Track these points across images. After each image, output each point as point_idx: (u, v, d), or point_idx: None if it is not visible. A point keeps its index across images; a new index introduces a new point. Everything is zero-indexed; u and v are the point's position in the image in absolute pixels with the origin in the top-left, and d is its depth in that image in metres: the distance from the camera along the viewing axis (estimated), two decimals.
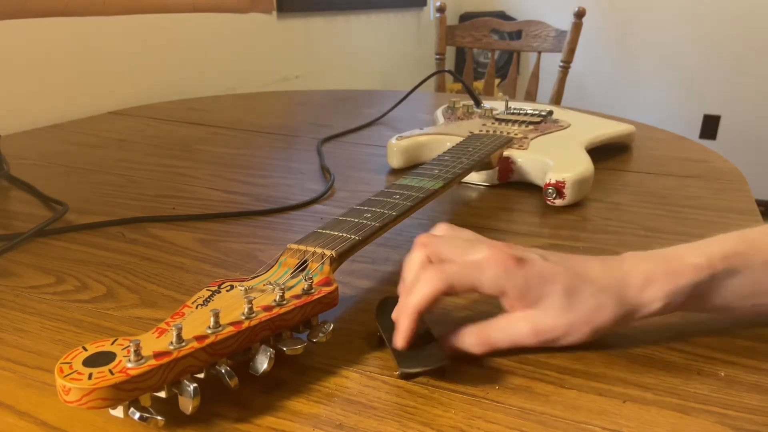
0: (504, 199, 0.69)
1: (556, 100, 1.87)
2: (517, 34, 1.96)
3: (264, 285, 0.38)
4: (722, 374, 0.37)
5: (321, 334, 0.37)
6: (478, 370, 0.38)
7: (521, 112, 0.88)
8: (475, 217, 0.64)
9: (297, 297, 0.36)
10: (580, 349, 0.40)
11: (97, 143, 0.92)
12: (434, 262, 0.40)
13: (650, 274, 0.38)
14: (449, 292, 0.37)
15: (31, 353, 0.39)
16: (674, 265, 0.39)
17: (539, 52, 1.92)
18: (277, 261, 0.41)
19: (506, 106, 0.92)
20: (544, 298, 0.38)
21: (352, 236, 0.44)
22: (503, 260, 0.37)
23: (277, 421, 0.33)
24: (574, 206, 0.66)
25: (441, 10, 1.96)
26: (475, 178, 0.73)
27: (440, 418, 0.33)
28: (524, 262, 0.38)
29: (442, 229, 0.44)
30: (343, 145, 0.92)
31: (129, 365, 0.29)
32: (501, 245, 0.39)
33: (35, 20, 1.02)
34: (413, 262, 0.41)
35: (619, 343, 0.40)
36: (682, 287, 0.38)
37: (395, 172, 0.78)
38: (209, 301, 0.36)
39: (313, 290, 0.37)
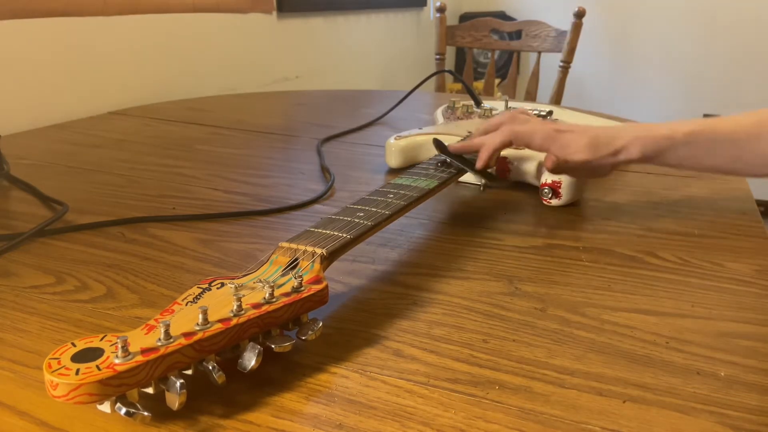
0: (501, 199, 0.69)
1: (556, 100, 1.87)
2: (517, 34, 1.96)
3: (254, 283, 0.38)
4: (722, 374, 0.37)
5: (310, 332, 0.37)
6: (478, 370, 0.38)
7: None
8: (472, 216, 0.64)
9: (286, 294, 0.37)
10: (580, 349, 0.40)
11: (97, 143, 0.92)
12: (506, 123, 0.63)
13: (630, 140, 0.59)
14: (512, 143, 0.62)
15: (31, 353, 0.39)
16: (650, 134, 0.60)
17: (539, 52, 1.92)
18: (268, 259, 0.42)
19: (506, 106, 0.92)
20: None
21: (344, 235, 0.44)
22: (548, 130, 0.61)
23: (277, 421, 0.33)
24: (574, 206, 0.66)
25: (441, 10, 1.96)
26: (472, 178, 0.73)
27: (440, 418, 0.33)
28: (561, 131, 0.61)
29: (511, 111, 0.67)
30: (343, 145, 0.92)
31: (116, 361, 0.30)
32: (547, 123, 0.63)
33: (35, 20, 1.02)
34: (495, 119, 0.66)
35: (619, 343, 0.40)
36: (650, 149, 0.59)
37: (395, 172, 0.78)
38: (199, 299, 0.36)
39: (302, 288, 0.38)
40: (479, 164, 0.62)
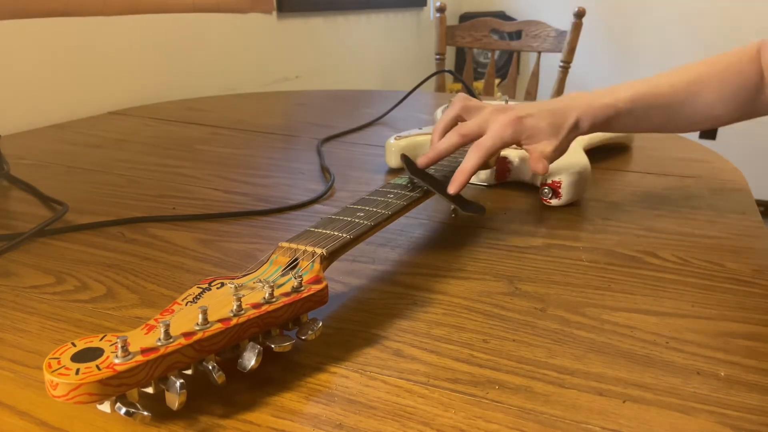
0: (501, 199, 0.69)
1: None
2: (517, 34, 1.96)
3: (254, 282, 0.38)
4: (722, 374, 0.37)
5: (310, 332, 0.37)
6: (478, 370, 0.38)
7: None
8: (472, 216, 0.64)
9: (286, 294, 0.37)
10: (580, 349, 0.40)
11: (97, 143, 0.92)
12: (467, 131, 0.59)
13: (581, 113, 0.60)
14: (491, 157, 0.59)
15: (31, 353, 0.39)
16: (597, 103, 0.61)
17: (539, 52, 1.92)
18: (268, 259, 0.42)
19: None
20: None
21: (344, 235, 0.44)
22: (512, 122, 0.58)
23: (277, 421, 0.33)
24: (574, 206, 0.66)
25: (441, 10, 1.96)
26: (472, 178, 0.73)
27: (440, 418, 0.33)
28: (522, 119, 0.59)
29: (460, 99, 0.64)
30: (343, 145, 0.92)
31: (116, 361, 0.30)
32: (503, 111, 0.60)
33: (35, 20, 1.02)
34: (449, 113, 0.63)
35: (619, 343, 0.40)
36: (598, 119, 0.61)
37: (395, 172, 0.78)
38: (199, 298, 0.36)
39: (302, 288, 0.38)
40: (452, 189, 0.56)
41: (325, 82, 1.87)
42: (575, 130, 0.61)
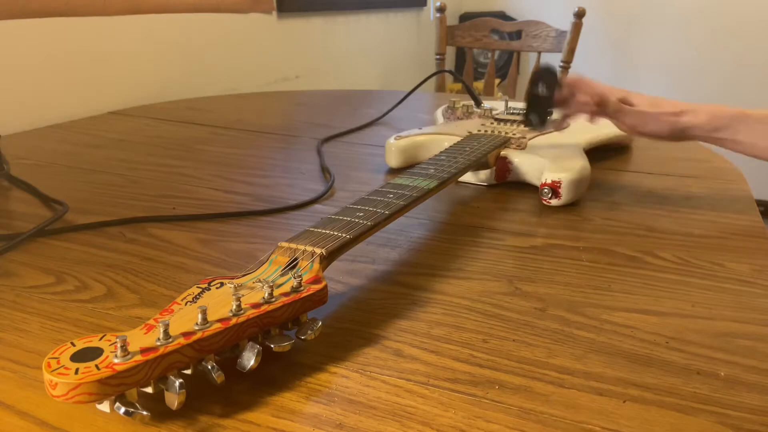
0: (501, 199, 0.69)
1: None
2: (517, 34, 1.96)
3: (253, 282, 0.38)
4: (722, 374, 0.37)
5: (309, 332, 0.37)
6: (478, 370, 0.38)
7: (521, 112, 0.88)
8: (472, 216, 0.64)
9: (286, 294, 0.37)
10: (580, 349, 0.40)
11: (97, 143, 0.92)
12: None
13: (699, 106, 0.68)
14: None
15: (31, 353, 0.39)
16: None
17: (539, 52, 1.92)
18: (268, 259, 0.42)
19: (506, 106, 0.92)
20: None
21: (343, 235, 0.44)
22: None
23: (277, 421, 0.33)
24: (574, 206, 0.66)
25: (441, 10, 1.96)
26: (472, 177, 0.73)
27: (440, 418, 0.33)
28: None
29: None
30: (343, 145, 0.92)
31: (115, 360, 0.30)
32: None
33: (35, 20, 1.02)
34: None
35: (619, 343, 0.40)
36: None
37: (395, 172, 0.78)
38: (198, 298, 0.36)
39: (302, 288, 0.38)
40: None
41: (325, 82, 1.87)
42: (681, 116, 0.69)
